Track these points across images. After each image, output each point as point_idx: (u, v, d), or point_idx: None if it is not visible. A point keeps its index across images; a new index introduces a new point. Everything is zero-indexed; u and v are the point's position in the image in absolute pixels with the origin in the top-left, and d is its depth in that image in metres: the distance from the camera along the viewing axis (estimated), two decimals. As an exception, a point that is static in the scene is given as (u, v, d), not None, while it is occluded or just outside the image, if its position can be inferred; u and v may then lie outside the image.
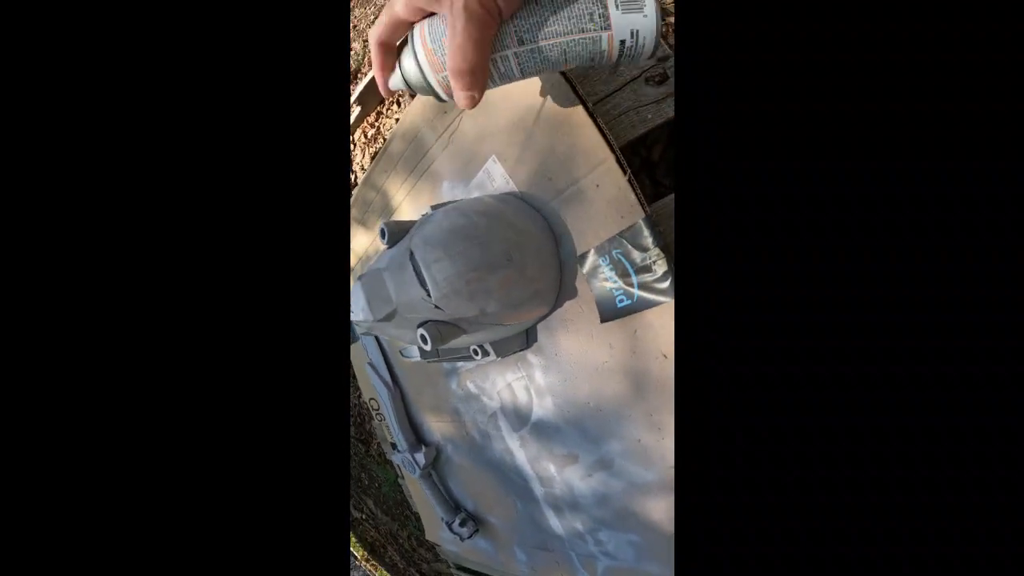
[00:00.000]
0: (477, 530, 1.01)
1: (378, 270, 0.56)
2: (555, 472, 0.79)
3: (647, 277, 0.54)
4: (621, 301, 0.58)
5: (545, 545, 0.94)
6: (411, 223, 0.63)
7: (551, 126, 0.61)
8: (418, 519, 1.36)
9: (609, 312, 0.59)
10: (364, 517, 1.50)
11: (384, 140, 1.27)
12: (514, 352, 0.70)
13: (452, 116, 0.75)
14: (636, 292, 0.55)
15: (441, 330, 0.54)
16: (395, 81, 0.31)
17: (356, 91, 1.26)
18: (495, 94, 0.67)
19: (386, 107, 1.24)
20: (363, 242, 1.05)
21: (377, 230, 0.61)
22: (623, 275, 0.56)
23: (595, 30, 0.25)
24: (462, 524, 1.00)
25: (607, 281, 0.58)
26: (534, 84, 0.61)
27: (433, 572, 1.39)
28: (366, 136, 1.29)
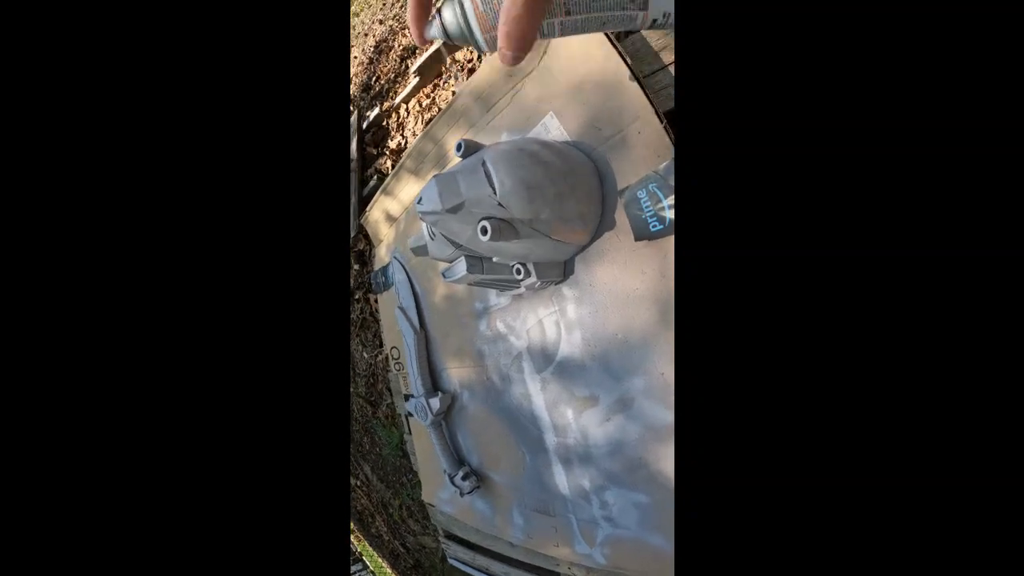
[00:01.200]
0: (479, 486, 1.03)
1: (451, 171, 0.63)
2: (572, 418, 0.82)
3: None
4: (654, 227, 0.63)
5: (546, 508, 0.94)
6: (480, 144, 0.70)
7: (602, 89, 0.70)
8: (415, 485, 1.36)
9: (643, 233, 0.65)
10: (358, 484, 1.49)
11: (439, 110, 1.36)
12: (552, 281, 0.75)
13: (517, 79, 0.84)
14: (668, 217, 0.61)
15: (501, 226, 0.60)
16: (433, 31, 0.32)
17: (416, 63, 1.37)
18: (557, 64, 0.77)
19: (443, 80, 1.35)
20: (413, 191, 1.12)
21: (455, 145, 0.69)
22: (656, 203, 0.62)
23: (634, 9, 0.30)
24: (464, 478, 1.02)
25: (642, 211, 0.64)
26: (592, 58, 0.71)
27: (418, 545, 1.37)
28: (420, 105, 1.39)
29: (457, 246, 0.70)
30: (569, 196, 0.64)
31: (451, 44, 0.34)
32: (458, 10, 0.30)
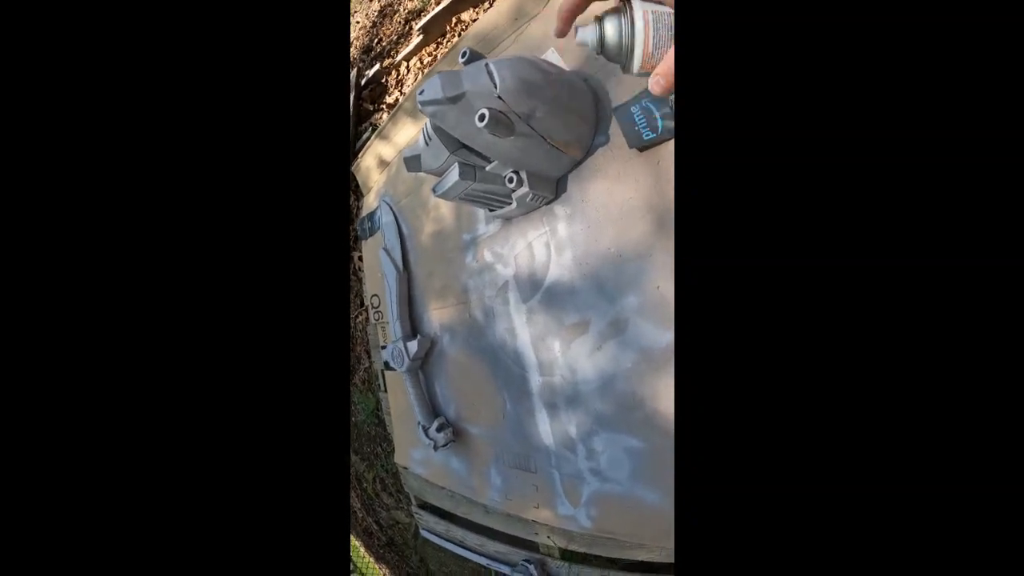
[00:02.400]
0: (454, 439, 0.97)
1: (456, 72, 0.61)
2: (559, 352, 0.76)
3: (669, 113, 0.59)
4: (647, 135, 0.61)
5: (527, 464, 0.88)
6: (485, 55, 0.68)
7: None
8: (388, 455, 1.29)
9: (635, 142, 0.63)
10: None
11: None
12: (544, 197, 0.71)
13: (523, 21, 0.83)
14: (660, 124, 0.60)
15: (498, 116, 0.58)
16: (586, 36, 0.33)
17: (421, 22, 1.36)
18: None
19: (446, 39, 1.34)
20: (410, 133, 1.09)
21: (460, 51, 0.67)
22: (649, 116, 0.61)
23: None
24: (439, 429, 0.96)
25: (635, 124, 0.63)
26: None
27: (391, 520, 1.29)
28: (422, 63, 1.37)
29: (453, 150, 0.67)
30: (566, 104, 0.64)
31: (599, 53, 0.36)
32: (626, 28, 0.31)
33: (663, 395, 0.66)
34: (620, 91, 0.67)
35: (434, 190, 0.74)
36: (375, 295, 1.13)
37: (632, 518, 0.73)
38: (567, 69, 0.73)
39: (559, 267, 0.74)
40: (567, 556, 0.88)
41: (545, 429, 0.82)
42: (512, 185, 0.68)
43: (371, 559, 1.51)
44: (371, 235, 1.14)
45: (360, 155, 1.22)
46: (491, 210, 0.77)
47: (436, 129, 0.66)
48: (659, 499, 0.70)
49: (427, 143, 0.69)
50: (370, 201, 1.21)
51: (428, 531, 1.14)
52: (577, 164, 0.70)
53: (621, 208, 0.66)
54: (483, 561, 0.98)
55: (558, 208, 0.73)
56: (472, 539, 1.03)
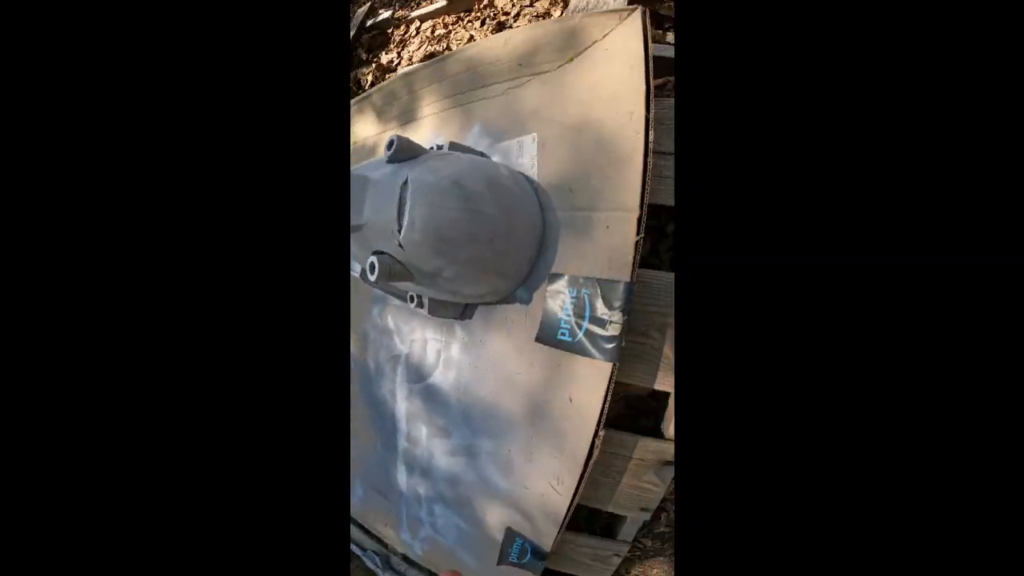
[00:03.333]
0: (328, 446, 1.06)
1: (366, 177, 0.56)
2: (424, 436, 0.83)
3: (597, 329, 0.57)
4: (562, 334, 0.61)
5: (385, 492, 0.99)
6: (421, 149, 0.63)
7: (603, 150, 0.61)
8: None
9: (546, 337, 0.62)
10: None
11: (448, 50, 1.22)
12: (447, 317, 0.72)
13: (526, 72, 0.73)
14: (580, 335, 0.59)
15: (392, 268, 0.55)
16: None
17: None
18: (577, 83, 0.65)
19: (467, 20, 1.18)
20: (368, 131, 1.02)
21: (387, 139, 0.60)
22: (578, 314, 0.59)
23: None
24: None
25: (561, 311, 0.61)
26: (616, 105, 0.61)
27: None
28: (433, 33, 1.22)
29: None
30: (487, 264, 0.59)
31: None
32: None
33: (491, 512, 0.77)
34: (572, 246, 0.63)
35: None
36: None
37: (452, 565, 0.88)
38: (532, 179, 0.68)
39: (442, 378, 0.78)
40: (407, 560, 1.04)
41: (402, 479, 0.92)
42: (412, 304, 0.68)
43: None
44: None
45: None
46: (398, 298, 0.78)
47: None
48: (473, 561, 0.84)
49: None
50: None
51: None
52: (490, 303, 0.70)
53: (507, 377, 0.69)
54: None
55: (459, 329, 0.75)
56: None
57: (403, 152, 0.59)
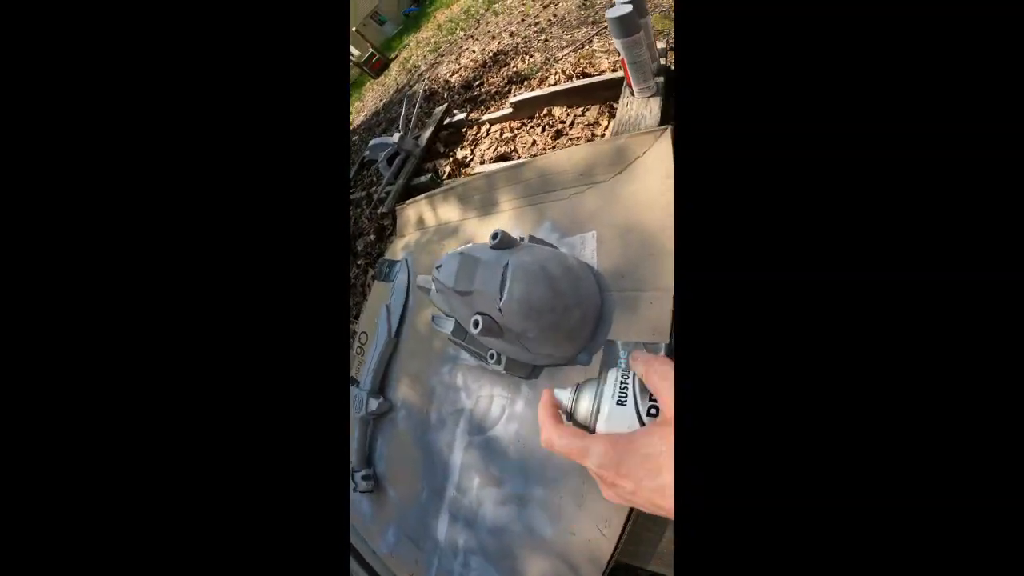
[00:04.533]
0: (372, 490, 1.15)
1: (477, 258, 0.74)
2: (476, 486, 0.94)
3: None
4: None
5: (418, 541, 1.06)
6: (516, 240, 0.82)
7: (644, 244, 0.82)
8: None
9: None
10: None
11: (515, 152, 1.47)
12: (518, 376, 0.87)
13: (586, 183, 0.96)
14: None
15: (491, 326, 0.72)
16: (561, 396, 0.40)
17: (518, 97, 1.48)
18: (626, 192, 0.88)
19: (529, 126, 1.46)
20: (451, 215, 1.23)
21: (492, 232, 0.80)
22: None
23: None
24: (365, 478, 1.13)
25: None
26: (653, 210, 0.81)
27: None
28: (500, 136, 1.49)
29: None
30: (562, 329, 0.76)
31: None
32: (596, 400, 0.39)
33: (533, 563, 0.84)
34: (623, 319, 0.79)
35: (433, 319, 0.90)
36: (365, 332, 1.29)
37: None
38: (594, 266, 0.87)
39: (504, 431, 0.90)
40: None
41: (443, 529, 1.00)
42: (492, 362, 0.83)
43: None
44: (385, 280, 1.30)
45: (408, 202, 1.37)
46: (473, 357, 0.93)
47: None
48: None
49: (436, 288, 0.84)
50: (397, 248, 1.36)
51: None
52: (556, 365, 0.85)
53: None
54: (352, 592, 1.17)
55: (525, 388, 0.89)
56: (354, 567, 1.22)
57: (505, 242, 0.79)
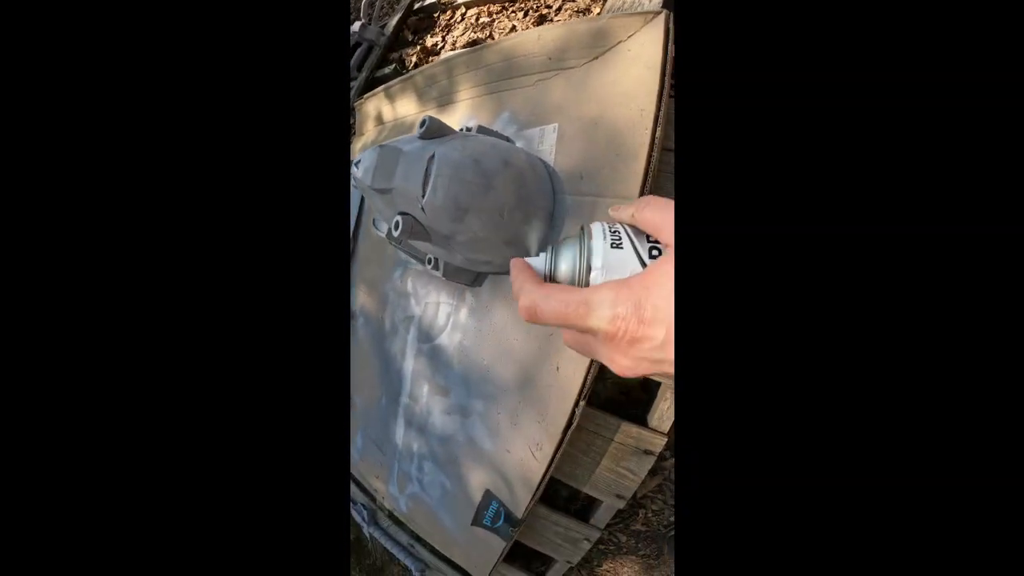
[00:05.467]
0: (337, 397, 1.17)
1: (398, 148, 0.65)
2: (426, 394, 0.93)
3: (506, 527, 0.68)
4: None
5: (381, 446, 1.09)
6: (449, 129, 0.72)
7: (614, 141, 0.69)
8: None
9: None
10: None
11: (491, 39, 1.30)
12: (460, 282, 0.81)
13: (555, 68, 0.82)
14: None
15: (414, 227, 0.65)
16: (536, 263, 0.30)
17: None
18: (596, 81, 0.73)
19: (510, 10, 1.27)
20: (409, 109, 1.12)
21: (420, 119, 0.69)
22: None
23: None
24: (329, 385, 1.15)
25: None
26: (627, 102, 0.68)
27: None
28: (477, 20, 1.31)
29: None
30: (496, 233, 0.68)
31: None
32: (581, 265, 0.28)
33: (474, 471, 0.84)
34: (576, 223, 0.71)
35: (372, 223, 0.84)
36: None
37: (432, 525, 0.97)
38: (550, 163, 0.76)
39: (448, 340, 0.87)
40: (391, 517, 1.14)
41: (399, 433, 1.02)
42: (429, 267, 0.78)
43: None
44: (345, 184, 1.23)
45: (366, 96, 1.25)
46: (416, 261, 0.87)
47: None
48: (452, 524, 0.92)
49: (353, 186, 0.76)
50: (356, 150, 1.26)
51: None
52: (499, 273, 0.79)
53: (504, 346, 0.77)
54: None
55: (469, 296, 0.84)
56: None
57: (433, 131, 0.68)
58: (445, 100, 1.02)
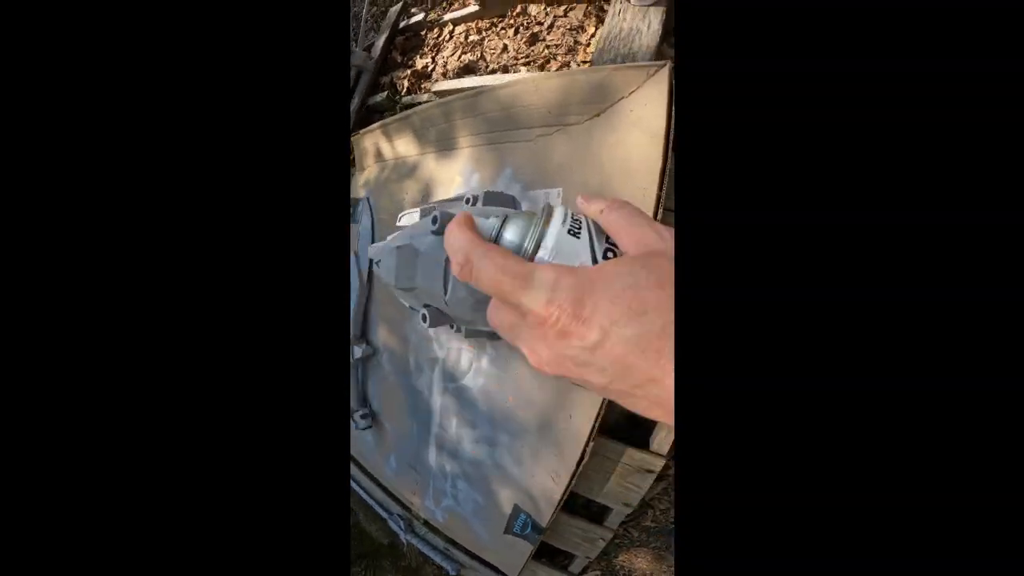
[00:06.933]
0: (371, 426, 1.30)
1: (415, 250, 0.74)
2: (454, 426, 1.06)
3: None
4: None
5: (415, 466, 1.23)
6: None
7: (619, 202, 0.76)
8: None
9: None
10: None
11: (482, 59, 1.32)
12: (480, 339, 0.92)
13: (553, 125, 0.86)
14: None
15: (439, 318, 0.74)
16: (484, 226, 0.29)
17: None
18: (602, 141, 0.76)
19: (500, 27, 1.27)
20: (409, 150, 1.18)
21: (431, 212, 0.77)
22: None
23: None
24: (363, 417, 1.27)
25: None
26: (630, 168, 0.74)
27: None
28: (467, 39, 1.31)
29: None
30: None
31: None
32: (530, 242, 0.27)
33: (504, 494, 0.99)
34: None
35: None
36: (342, 275, 1.33)
37: (467, 535, 1.14)
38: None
39: (473, 383, 0.98)
40: (427, 525, 1.30)
41: (432, 457, 1.16)
42: (452, 330, 0.88)
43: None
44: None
45: (364, 131, 1.29)
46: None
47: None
48: (484, 533, 1.08)
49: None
50: (358, 185, 1.32)
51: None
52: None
53: (526, 393, 0.89)
54: (368, 500, 1.39)
55: (489, 346, 0.94)
56: (365, 482, 1.44)
57: (445, 223, 0.77)
58: (445, 145, 1.08)
